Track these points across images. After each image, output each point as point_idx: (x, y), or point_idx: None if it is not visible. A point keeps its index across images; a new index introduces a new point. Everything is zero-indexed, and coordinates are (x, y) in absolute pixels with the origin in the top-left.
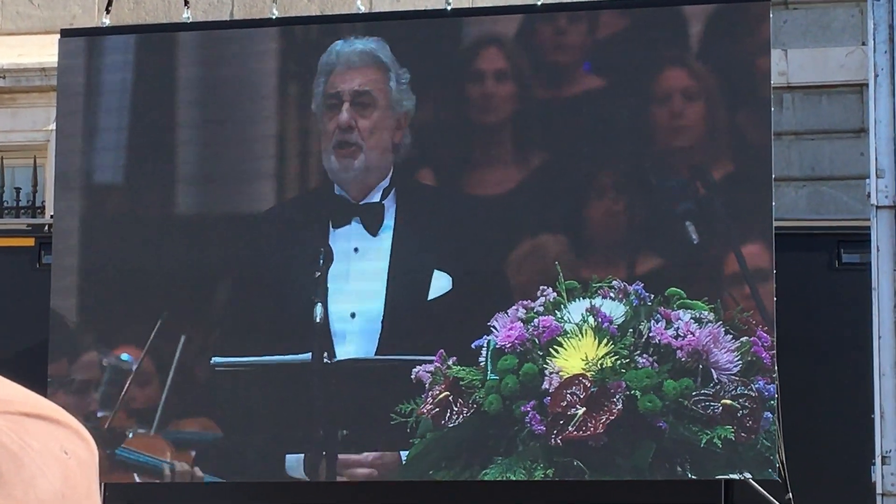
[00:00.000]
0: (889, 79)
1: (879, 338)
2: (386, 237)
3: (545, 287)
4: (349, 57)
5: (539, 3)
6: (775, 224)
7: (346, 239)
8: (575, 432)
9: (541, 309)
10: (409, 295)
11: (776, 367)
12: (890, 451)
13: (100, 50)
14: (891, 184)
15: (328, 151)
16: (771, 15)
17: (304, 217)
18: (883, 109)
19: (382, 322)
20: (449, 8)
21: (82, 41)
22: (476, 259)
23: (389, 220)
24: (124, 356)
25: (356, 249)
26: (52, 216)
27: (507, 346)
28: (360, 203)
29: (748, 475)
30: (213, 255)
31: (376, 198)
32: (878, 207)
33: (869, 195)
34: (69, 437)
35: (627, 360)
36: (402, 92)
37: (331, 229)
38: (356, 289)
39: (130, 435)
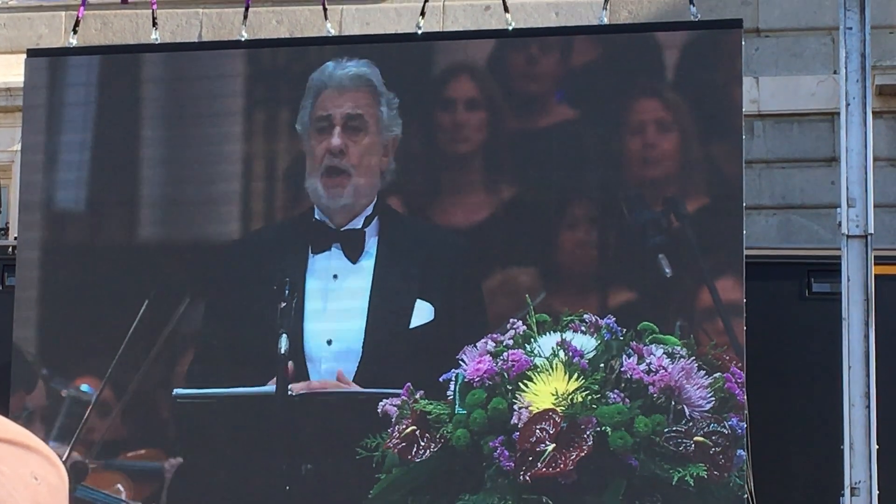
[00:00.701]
0: (861, 108)
1: (850, 368)
2: (367, 264)
3: (515, 320)
4: (341, 80)
5: (511, 28)
6: (746, 253)
7: (325, 265)
8: (544, 469)
9: (510, 342)
10: (390, 323)
11: (745, 398)
12: (859, 482)
13: (65, 70)
14: (861, 213)
15: (314, 176)
16: (743, 42)
17: (276, 243)
18: (854, 138)
19: (362, 350)
20: (420, 32)
21: (48, 61)
22: (445, 291)
23: (371, 248)
24: (84, 387)
25: (335, 276)
26: (15, 238)
27: (476, 379)
28: (341, 229)
29: None
30: (178, 283)
31: (358, 224)
32: (848, 237)
33: (840, 224)
34: (40, 463)
35: (598, 396)
36: (391, 118)
37: (310, 255)
38: (334, 316)
39: (91, 468)
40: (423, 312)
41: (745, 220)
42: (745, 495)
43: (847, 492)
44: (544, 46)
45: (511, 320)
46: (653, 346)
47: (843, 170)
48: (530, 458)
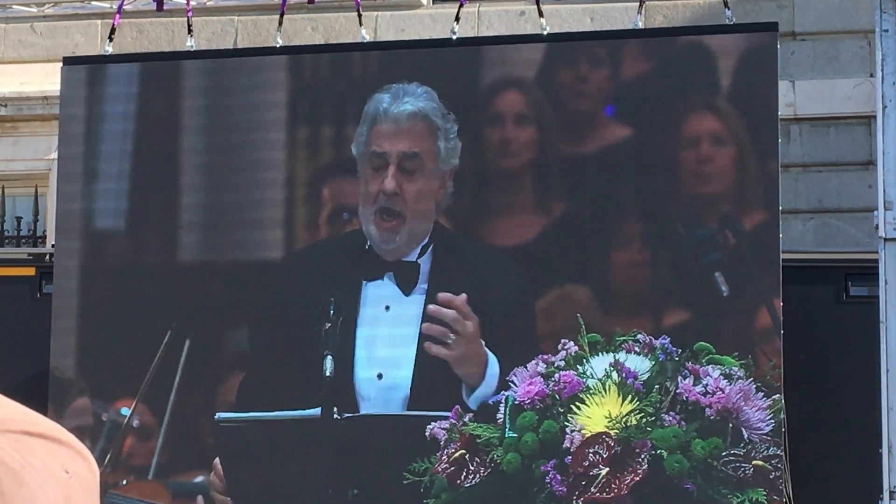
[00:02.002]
0: None
1: (887, 371)
2: (419, 296)
3: (566, 340)
4: (397, 118)
5: (545, 32)
6: (783, 257)
7: (377, 293)
8: (598, 494)
9: (562, 363)
10: (467, 369)
11: (783, 401)
12: None
13: (103, 79)
14: None
15: (368, 215)
16: (779, 46)
17: (324, 265)
18: (891, 141)
19: (411, 387)
20: (454, 37)
21: (85, 69)
22: (496, 311)
23: (423, 282)
24: (124, 410)
25: (387, 307)
26: (52, 245)
27: (527, 402)
28: (394, 261)
29: None
30: (219, 306)
31: (413, 256)
32: (886, 240)
33: (877, 227)
34: (71, 457)
35: (653, 418)
36: (449, 150)
37: (363, 282)
38: (386, 350)
39: (124, 482)
40: (494, 363)
41: (782, 223)
42: (784, 500)
43: (886, 496)
44: (593, 60)
45: (562, 341)
46: (709, 366)
47: (879, 173)
48: (583, 483)
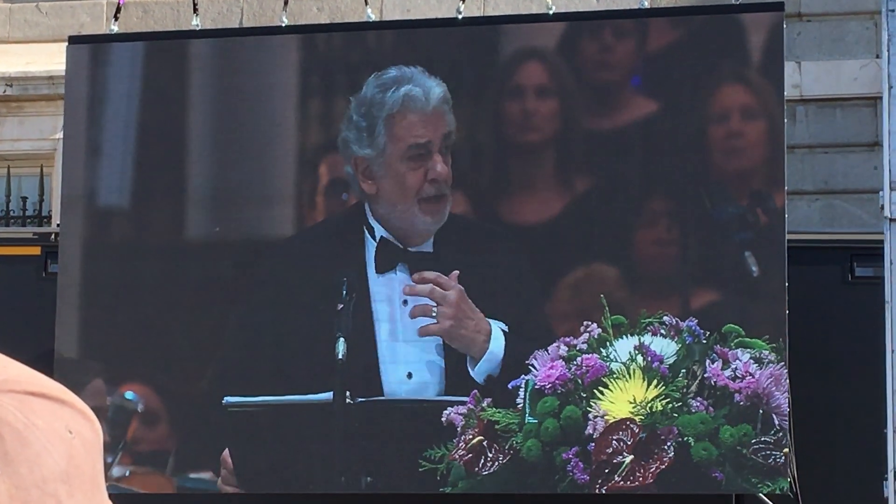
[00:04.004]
0: None
1: (892, 352)
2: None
3: (589, 323)
4: (428, 102)
5: (551, 12)
6: (788, 237)
7: (391, 286)
8: (622, 482)
9: (584, 346)
10: (468, 340)
11: (788, 381)
12: None
13: (108, 58)
14: None
15: (408, 206)
16: (784, 26)
17: (331, 245)
18: None
19: (444, 380)
20: (460, 17)
21: (90, 49)
22: (514, 293)
23: (439, 267)
24: (129, 395)
25: (405, 302)
26: (58, 225)
27: (548, 386)
28: (410, 250)
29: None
30: (227, 285)
31: (429, 247)
32: (891, 220)
33: (882, 208)
34: (74, 417)
35: (680, 404)
36: (451, 123)
37: (371, 275)
38: (409, 347)
39: (128, 473)
40: (498, 333)
41: (788, 205)
42: (789, 479)
43: (891, 476)
44: (617, 32)
45: (585, 323)
46: (738, 350)
47: (885, 153)
48: (606, 471)
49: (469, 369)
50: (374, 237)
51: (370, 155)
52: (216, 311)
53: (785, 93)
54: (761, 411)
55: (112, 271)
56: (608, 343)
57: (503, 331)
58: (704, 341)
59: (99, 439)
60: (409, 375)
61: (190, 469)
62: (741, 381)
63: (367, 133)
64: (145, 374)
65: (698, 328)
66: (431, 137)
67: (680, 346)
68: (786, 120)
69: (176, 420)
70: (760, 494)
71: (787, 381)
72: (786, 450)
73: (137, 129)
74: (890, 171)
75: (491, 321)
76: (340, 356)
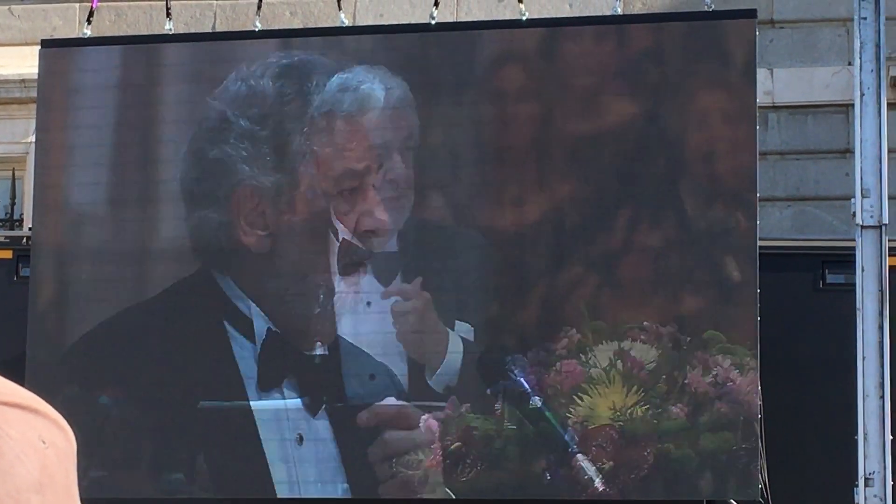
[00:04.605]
0: (875, 98)
1: (864, 358)
2: (401, 286)
3: (569, 327)
4: (391, 101)
5: (524, 17)
6: (760, 244)
7: (354, 290)
8: (602, 488)
9: (564, 352)
10: (429, 349)
11: (759, 387)
12: (873, 472)
13: (81, 61)
14: (876, 204)
15: (368, 207)
16: (757, 33)
17: (302, 251)
18: (869, 129)
19: (407, 381)
20: (433, 22)
21: (63, 53)
22: (493, 298)
23: (404, 268)
24: (102, 399)
25: (369, 304)
26: (30, 228)
27: (527, 392)
28: (375, 252)
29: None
30: (198, 289)
31: (393, 246)
32: (862, 227)
33: (854, 215)
34: (47, 427)
35: (660, 410)
36: (413, 123)
37: (336, 276)
38: (372, 349)
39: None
40: (461, 334)
41: (759, 211)
42: (760, 485)
43: (861, 482)
44: (592, 37)
45: (565, 328)
46: (719, 356)
47: (857, 160)
48: (586, 477)
49: (427, 378)
50: (337, 238)
51: (330, 153)
52: (189, 315)
53: (757, 99)
54: (742, 418)
55: (84, 275)
56: (588, 349)
57: (463, 338)
58: (685, 347)
59: (72, 448)
60: (372, 377)
61: (164, 471)
62: (722, 388)
63: (326, 132)
64: (119, 379)
65: (679, 334)
66: (391, 137)
67: (660, 351)
68: (758, 126)
69: (150, 424)
70: (731, 501)
71: (759, 386)
72: (762, 462)
73: (110, 133)
74: (861, 178)
75: (451, 331)
76: (317, 361)
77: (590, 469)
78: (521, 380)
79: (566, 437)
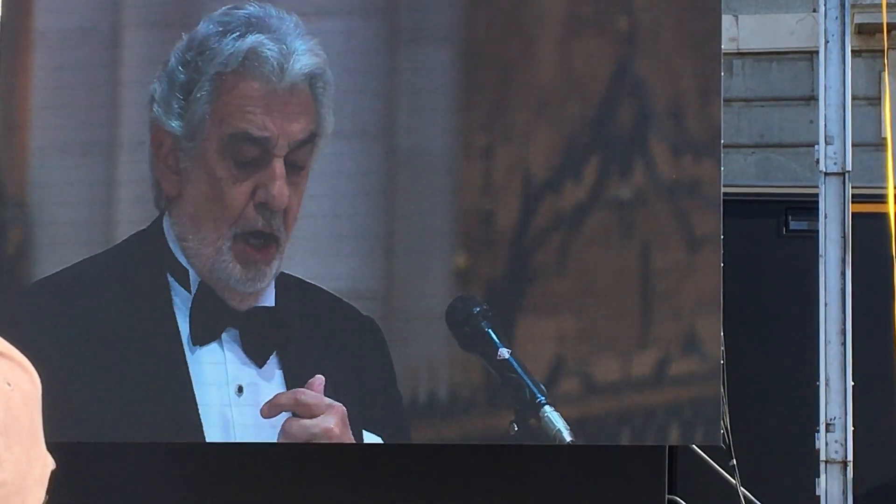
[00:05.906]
0: (839, 45)
1: (826, 305)
2: (280, 374)
3: (538, 279)
4: (279, 73)
5: None
6: (723, 190)
7: (219, 367)
8: (570, 440)
9: (531, 304)
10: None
11: (722, 334)
12: (834, 418)
13: (45, 2)
14: (839, 150)
15: (218, 240)
16: None
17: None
18: (833, 76)
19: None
20: None
21: None
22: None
23: (286, 334)
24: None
25: (240, 388)
26: None
27: (495, 343)
28: (244, 310)
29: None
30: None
31: (269, 300)
32: (826, 174)
33: (818, 162)
34: (13, 370)
35: (627, 360)
36: (319, 114)
37: (187, 350)
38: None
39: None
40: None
41: (724, 157)
42: (721, 431)
43: (822, 428)
44: None
45: (533, 280)
46: (684, 304)
47: (821, 108)
48: (555, 430)
49: None
50: (185, 282)
51: (178, 131)
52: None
53: (722, 46)
54: (706, 365)
55: (50, 218)
56: (556, 302)
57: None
58: (651, 296)
59: (37, 391)
60: (240, 389)
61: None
62: (686, 336)
63: (180, 94)
64: (64, 323)
65: (645, 283)
66: (274, 132)
67: (627, 301)
68: (722, 73)
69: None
70: (693, 446)
71: (722, 333)
72: (724, 408)
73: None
74: (825, 125)
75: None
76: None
77: (558, 421)
78: (490, 331)
79: (534, 388)
